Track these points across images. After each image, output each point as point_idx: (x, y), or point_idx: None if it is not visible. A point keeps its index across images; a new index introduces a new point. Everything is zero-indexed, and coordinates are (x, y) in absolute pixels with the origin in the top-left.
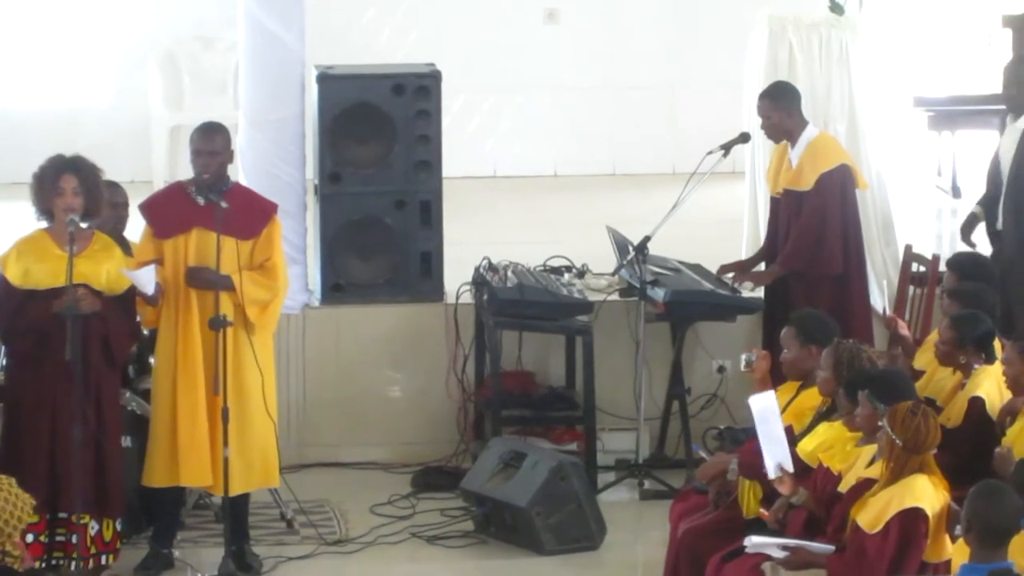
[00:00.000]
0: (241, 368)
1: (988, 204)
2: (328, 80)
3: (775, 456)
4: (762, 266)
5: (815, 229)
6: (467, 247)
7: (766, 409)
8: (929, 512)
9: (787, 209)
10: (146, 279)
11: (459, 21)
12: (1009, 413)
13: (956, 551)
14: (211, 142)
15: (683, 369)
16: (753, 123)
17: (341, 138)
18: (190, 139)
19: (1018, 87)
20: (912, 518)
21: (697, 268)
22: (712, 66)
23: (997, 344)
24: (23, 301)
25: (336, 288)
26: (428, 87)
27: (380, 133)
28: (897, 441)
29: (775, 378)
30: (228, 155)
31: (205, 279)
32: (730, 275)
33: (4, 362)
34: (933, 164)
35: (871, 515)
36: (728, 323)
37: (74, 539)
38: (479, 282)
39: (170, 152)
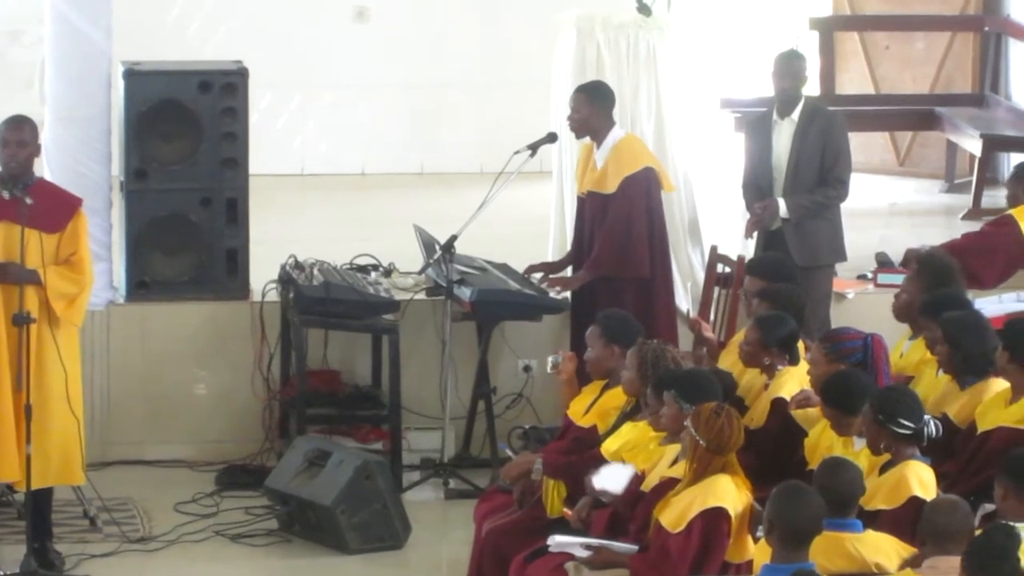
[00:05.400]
0: (44, 365)
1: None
2: (134, 76)
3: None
4: (569, 271)
5: (621, 233)
6: (274, 245)
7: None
8: (731, 512)
9: (591, 210)
10: None
11: (267, 18)
12: (802, 401)
13: (758, 551)
14: (19, 132)
15: (489, 368)
16: (560, 123)
17: (147, 135)
18: None
19: (792, 81)
20: (714, 518)
21: (504, 267)
22: (520, 66)
23: (801, 345)
24: None
25: (141, 285)
26: (235, 84)
27: (186, 130)
28: (701, 442)
29: (581, 379)
30: (35, 147)
31: (12, 274)
32: (538, 275)
33: None
34: (739, 166)
35: (674, 515)
36: (534, 323)
37: None
38: (285, 280)
39: None
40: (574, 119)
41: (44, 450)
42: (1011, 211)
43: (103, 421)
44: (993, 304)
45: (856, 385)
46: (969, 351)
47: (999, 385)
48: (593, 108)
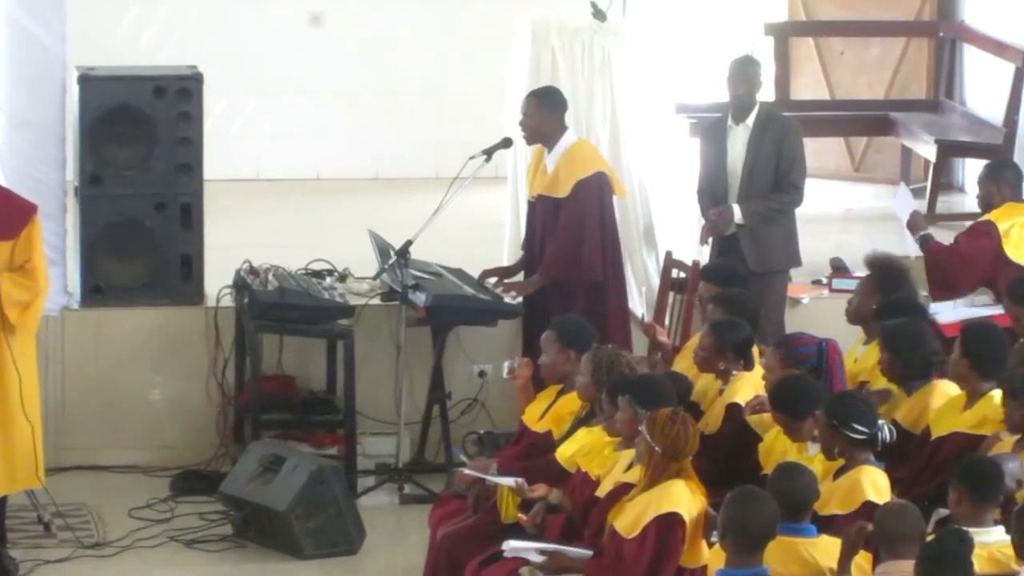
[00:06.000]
0: (3, 371)
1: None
2: (89, 82)
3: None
4: (520, 277)
5: (574, 237)
6: (228, 250)
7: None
8: (686, 517)
9: (542, 214)
10: None
11: (222, 23)
12: (757, 407)
13: (712, 556)
14: None
15: (444, 373)
16: (515, 128)
17: (102, 140)
18: None
19: (747, 87)
20: (669, 523)
21: (459, 273)
22: (475, 71)
23: (756, 350)
24: None
25: (96, 290)
26: (190, 89)
27: (141, 135)
28: (656, 447)
29: (537, 384)
30: None
31: None
32: (492, 280)
33: None
34: (694, 171)
35: (628, 520)
36: (489, 328)
37: None
38: (240, 285)
39: None
40: (525, 125)
41: (7, 458)
42: (990, 217)
43: (57, 426)
44: (948, 310)
45: (803, 390)
46: (908, 357)
47: (945, 387)
48: (544, 113)
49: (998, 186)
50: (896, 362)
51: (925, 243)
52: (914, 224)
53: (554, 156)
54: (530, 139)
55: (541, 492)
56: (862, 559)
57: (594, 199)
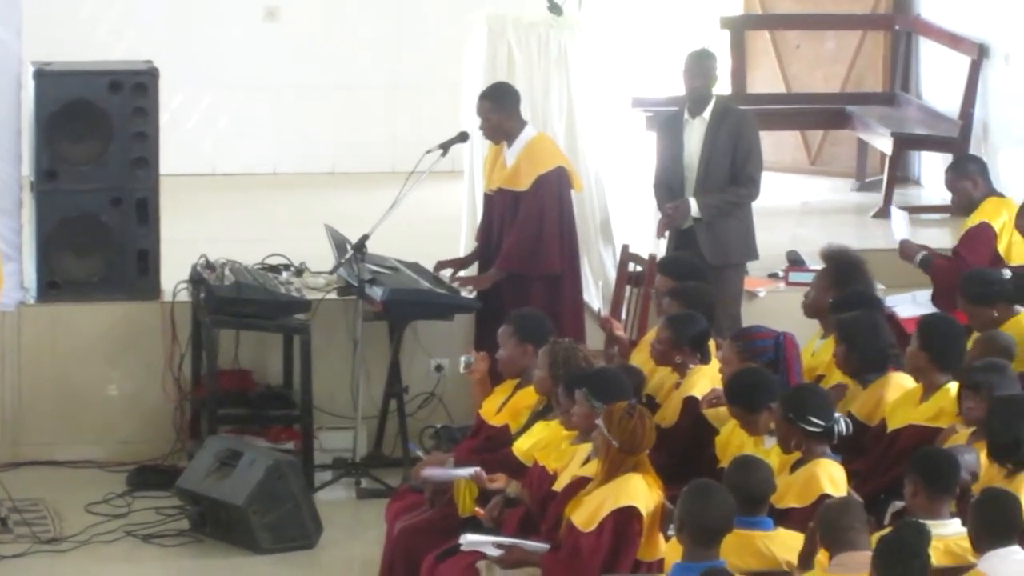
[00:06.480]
0: None
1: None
2: (44, 77)
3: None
4: (475, 268)
5: (533, 230)
6: (185, 245)
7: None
8: (643, 511)
9: (501, 207)
10: None
11: (178, 18)
12: (714, 400)
13: (669, 550)
14: None
15: (401, 368)
16: (471, 122)
17: (57, 135)
18: None
19: (703, 80)
20: (626, 517)
21: (415, 267)
22: (431, 65)
23: (712, 344)
24: None
25: (52, 286)
26: (145, 84)
27: (97, 130)
28: (613, 442)
29: (494, 378)
30: None
31: None
32: (448, 271)
33: None
34: (650, 164)
35: (585, 514)
36: (446, 322)
37: None
38: (196, 280)
39: None
40: (485, 127)
41: None
42: (983, 219)
43: (14, 422)
44: (907, 303)
45: (758, 383)
46: (864, 350)
47: (900, 380)
48: (502, 113)
49: (973, 181)
50: (852, 355)
51: (928, 265)
52: (907, 251)
53: (514, 150)
54: (494, 139)
55: (500, 483)
56: (820, 554)
57: (554, 194)
